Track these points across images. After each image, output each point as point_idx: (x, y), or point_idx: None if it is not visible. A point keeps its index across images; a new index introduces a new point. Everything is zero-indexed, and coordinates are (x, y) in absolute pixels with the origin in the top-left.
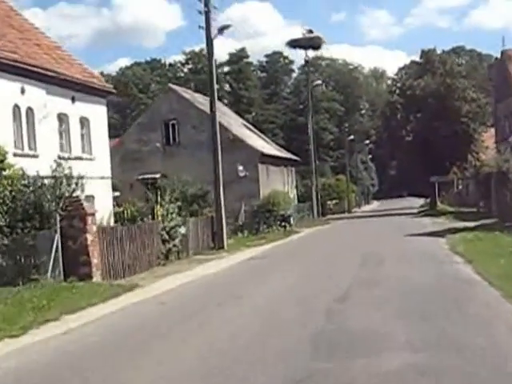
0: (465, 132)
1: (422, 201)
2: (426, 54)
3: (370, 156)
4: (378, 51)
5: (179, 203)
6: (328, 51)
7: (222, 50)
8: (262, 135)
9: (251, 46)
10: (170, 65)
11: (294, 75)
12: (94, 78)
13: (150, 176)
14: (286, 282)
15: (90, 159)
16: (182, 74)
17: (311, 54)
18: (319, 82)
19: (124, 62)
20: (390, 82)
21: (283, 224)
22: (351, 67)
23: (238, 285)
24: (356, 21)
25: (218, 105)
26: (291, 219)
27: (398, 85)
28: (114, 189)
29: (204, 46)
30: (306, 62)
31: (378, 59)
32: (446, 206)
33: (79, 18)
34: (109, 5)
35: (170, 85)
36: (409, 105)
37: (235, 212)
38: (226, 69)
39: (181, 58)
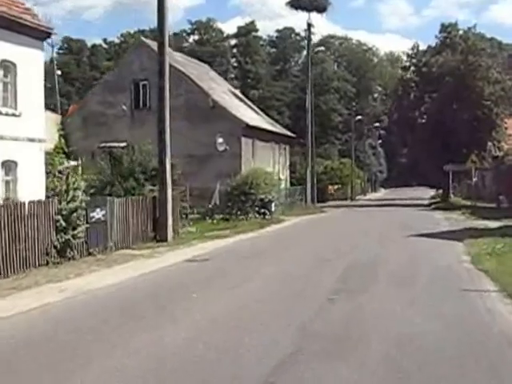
0: (486, 117)
1: (432, 192)
2: (445, 29)
3: (380, 141)
4: (395, 39)
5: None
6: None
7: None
8: (255, 107)
9: (269, 27)
10: (175, 34)
11: (305, 52)
12: (27, 15)
13: (113, 144)
14: (202, 317)
15: (14, 115)
16: (187, 44)
17: (323, 32)
18: (322, 48)
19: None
20: (404, 57)
21: (262, 211)
22: (365, 48)
23: (127, 319)
24: (374, 8)
25: (201, 65)
26: (272, 205)
27: (413, 61)
28: (72, 157)
29: None
30: (309, 25)
31: (394, 47)
32: (458, 198)
33: None
34: None
35: (143, 38)
36: (424, 83)
37: (209, 192)
38: (232, 42)
39: (186, 27)
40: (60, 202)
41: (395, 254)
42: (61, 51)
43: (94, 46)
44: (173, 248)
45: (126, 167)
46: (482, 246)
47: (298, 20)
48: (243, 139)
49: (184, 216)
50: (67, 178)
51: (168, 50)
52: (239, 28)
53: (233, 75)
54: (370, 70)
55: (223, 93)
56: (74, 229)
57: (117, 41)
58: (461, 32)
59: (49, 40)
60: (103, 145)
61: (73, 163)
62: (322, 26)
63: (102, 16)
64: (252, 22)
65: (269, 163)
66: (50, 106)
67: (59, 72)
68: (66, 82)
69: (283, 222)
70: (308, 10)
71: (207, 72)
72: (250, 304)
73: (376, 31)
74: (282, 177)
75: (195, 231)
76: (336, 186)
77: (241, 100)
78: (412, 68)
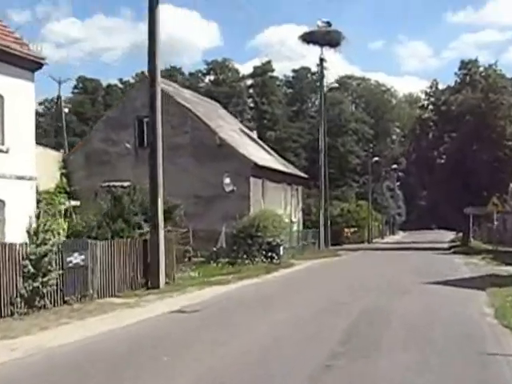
0: (508, 157)
1: (452, 235)
2: (465, 66)
3: (398, 183)
4: (413, 81)
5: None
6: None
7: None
8: (268, 148)
9: (287, 67)
10: (191, 74)
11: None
12: (16, 44)
13: (116, 184)
14: None
15: (1, 151)
16: (203, 85)
17: (339, 71)
18: (336, 84)
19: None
20: (422, 95)
21: (269, 254)
22: (384, 89)
23: None
24: (393, 51)
25: (211, 103)
26: (280, 249)
27: (432, 99)
28: (74, 197)
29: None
30: (321, 60)
31: (413, 88)
32: (479, 242)
33: (115, 30)
34: (145, 19)
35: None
36: (443, 122)
37: (215, 235)
38: (249, 82)
39: (202, 67)
40: (29, 245)
41: (410, 304)
42: (76, 90)
43: (109, 85)
44: (163, 296)
45: (120, 208)
46: (507, 298)
47: (315, 59)
48: (252, 179)
49: (187, 259)
50: (37, 218)
51: (173, 85)
52: (255, 68)
53: (249, 116)
54: (388, 112)
55: (233, 131)
56: (45, 275)
57: (132, 80)
58: (481, 69)
59: (57, 77)
60: (106, 184)
61: (74, 203)
62: (340, 66)
63: (119, 58)
64: (268, 62)
65: (280, 205)
66: (61, 145)
67: (66, 110)
68: (80, 122)
69: (293, 266)
70: (321, 44)
71: (216, 110)
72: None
73: (394, 73)
74: (294, 219)
75: (197, 276)
76: (352, 229)
77: (252, 140)
78: (430, 107)
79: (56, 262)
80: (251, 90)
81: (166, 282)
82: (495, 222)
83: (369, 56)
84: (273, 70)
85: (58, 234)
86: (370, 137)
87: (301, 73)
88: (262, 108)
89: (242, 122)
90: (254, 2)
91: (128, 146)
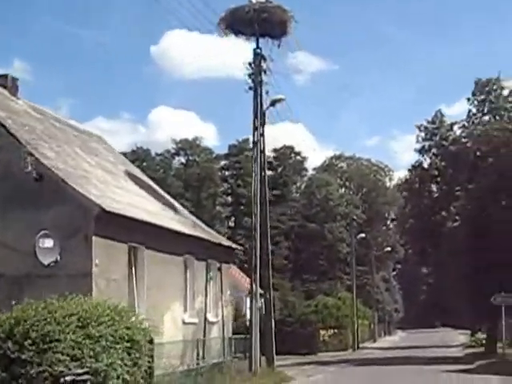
0: None
1: (463, 335)
2: (483, 86)
3: (395, 273)
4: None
5: None
6: None
7: None
8: (178, 205)
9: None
10: (158, 155)
11: (309, 174)
12: None
13: None
14: None
15: None
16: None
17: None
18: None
19: None
20: (421, 134)
21: None
22: (376, 168)
23: None
24: (388, 145)
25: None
26: None
27: (436, 138)
28: None
29: None
30: (258, 55)
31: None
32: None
33: (115, 133)
34: (145, 121)
35: None
36: (453, 170)
37: None
38: (222, 163)
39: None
40: None
41: None
42: None
43: None
44: None
45: None
46: None
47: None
48: (99, 240)
49: None
50: None
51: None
52: (230, 146)
53: (223, 200)
54: (382, 194)
55: (100, 168)
56: None
57: None
58: (505, 92)
59: None
60: None
61: None
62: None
63: None
64: (246, 140)
65: (176, 292)
66: None
67: None
68: None
69: None
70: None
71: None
72: None
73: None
74: (212, 318)
75: None
76: (331, 331)
77: (149, 191)
78: (434, 150)
79: None
80: (227, 172)
81: None
82: None
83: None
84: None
85: None
86: (361, 221)
87: (282, 153)
88: (238, 191)
89: (214, 207)
90: None
91: None
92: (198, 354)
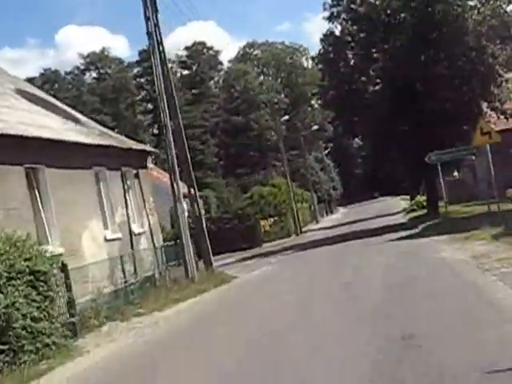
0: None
1: (404, 201)
2: None
3: (327, 152)
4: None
5: None
6: None
7: None
8: (81, 116)
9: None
10: (67, 73)
11: (224, 66)
12: None
13: None
14: None
15: None
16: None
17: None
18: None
19: None
20: None
21: None
22: (292, 50)
23: None
24: (300, 29)
25: None
26: None
27: (343, 2)
28: None
29: None
30: None
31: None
32: (456, 205)
33: (24, 61)
34: (53, 44)
35: None
36: (368, 32)
37: None
38: (136, 70)
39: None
40: None
41: None
42: None
43: None
44: None
45: None
46: None
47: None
48: None
49: None
50: None
51: None
52: (140, 52)
53: (143, 108)
54: (301, 75)
55: None
56: None
57: None
58: None
59: None
60: None
61: None
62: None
63: None
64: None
65: (91, 209)
66: None
67: None
68: None
69: None
70: None
71: None
72: None
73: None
74: (138, 229)
75: None
76: (271, 220)
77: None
78: (343, 15)
79: None
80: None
81: None
82: (459, 171)
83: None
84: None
85: None
86: (285, 106)
87: (195, 50)
88: (155, 97)
89: (135, 117)
90: None
91: None
92: (123, 272)
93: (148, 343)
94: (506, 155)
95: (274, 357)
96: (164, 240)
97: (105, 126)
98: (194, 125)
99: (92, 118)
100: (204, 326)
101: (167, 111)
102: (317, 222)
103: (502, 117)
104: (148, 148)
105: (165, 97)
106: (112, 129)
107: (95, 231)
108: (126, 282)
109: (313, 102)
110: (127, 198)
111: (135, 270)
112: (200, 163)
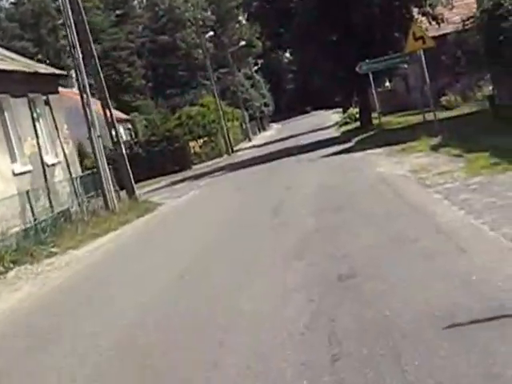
0: None
1: (335, 114)
2: None
3: (256, 67)
4: None
5: None
6: None
7: None
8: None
9: None
10: None
11: None
12: None
13: None
14: None
15: None
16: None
17: None
18: None
19: None
20: None
21: None
22: None
23: None
24: None
25: None
26: None
27: None
28: None
29: None
30: None
31: None
32: (390, 117)
33: None
34: None
35: None
36: None
37: None
38: None
39: None
40: None
41: None
42: None
43: None
44: None
45: None
46: None
47: None
48: None
49: None
50: None
51: None
52: None
53: (65, 32)
54: None
55: None
56: None
57: None
58: None
59: None
60: None
61: None
62: None
63: None
64: None
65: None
66: None
67: None
68: None
69: None
70: None
71: None
72: None
73: None
74: (51, 160)
75: None
76: (201, 141)
77: None
78: None
79: None
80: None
81: None
82: (391, 81)
83: None
84: None
85: None
86: (212, 24)
87: None
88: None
89: (58, 42)
90: None
91: None
92: (31, 208)
93: (52, 291)
94: (438, 62)
95: (188, 303)
96: (87, 169)
97: (26, 52)
98: (119, 47)
99: (13, 45)
100: (119, 266)
101: (74, 28)
102: (249, 140)
103: (433, 23)
104: (58, 71)
105: (70, 12)
106: (35, 55)
107: (1, 166)
108: (35, 219)
109: (240, 17)
110: (37, 126)
111: (51, 204)
112: (128, 86)
